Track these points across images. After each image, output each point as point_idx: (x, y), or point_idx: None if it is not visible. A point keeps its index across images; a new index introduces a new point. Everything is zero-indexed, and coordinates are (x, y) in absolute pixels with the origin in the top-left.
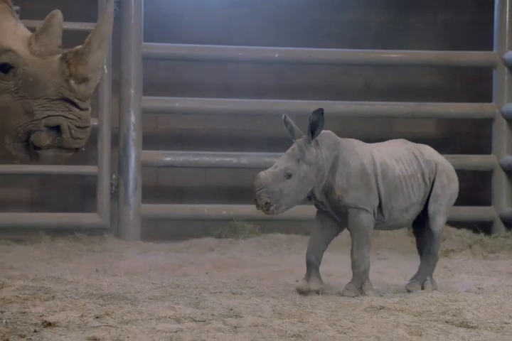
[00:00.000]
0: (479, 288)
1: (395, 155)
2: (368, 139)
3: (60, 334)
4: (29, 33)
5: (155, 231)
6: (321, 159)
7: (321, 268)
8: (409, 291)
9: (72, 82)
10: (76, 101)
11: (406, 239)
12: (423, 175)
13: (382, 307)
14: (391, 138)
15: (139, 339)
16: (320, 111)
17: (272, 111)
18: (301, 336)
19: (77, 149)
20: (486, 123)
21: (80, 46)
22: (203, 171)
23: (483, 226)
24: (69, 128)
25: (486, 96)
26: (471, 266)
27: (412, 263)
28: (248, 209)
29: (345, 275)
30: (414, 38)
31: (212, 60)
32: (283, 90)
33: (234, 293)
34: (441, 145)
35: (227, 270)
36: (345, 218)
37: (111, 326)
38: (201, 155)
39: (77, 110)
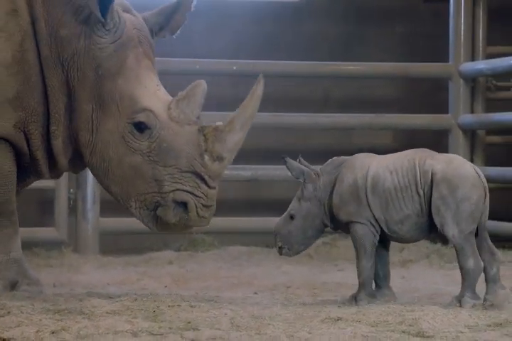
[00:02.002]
0: (436, 298)
1: (392, 166)
2: (327, 151)
3: None
4: (169, 97)
5: (114, 245)
6: (319, 190)
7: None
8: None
9: (206, 158)
10: (206, 178)
11: None
12: (416, 186)
13: (339, 319)
14: (349, 150)
15: None
16: (284, 158)
17: None
18: None
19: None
20: (443, 134)
21: (220, 123)
22: None
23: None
24: (196, 206)
25: (443, 108)
26: (428, 276)
27: None
28: None
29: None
30: (372, 49)
31: (170, 73)
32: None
33: (192, 306)
34: None
35: (186, 283)
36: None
37: None
38: None
39: (206, 188)
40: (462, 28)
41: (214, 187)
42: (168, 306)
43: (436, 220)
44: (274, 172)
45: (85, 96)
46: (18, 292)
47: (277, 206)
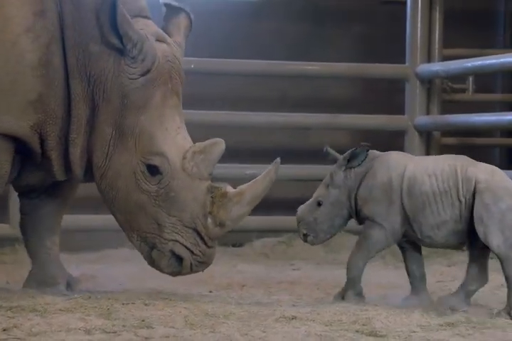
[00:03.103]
0: (389, 298)
1: (431, 170)
2: (284, 150)
3: None
4: (187, 142)
5: (69, 242)
6: (350, 179)
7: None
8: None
9: (209, 220)
10: (206, 238)
11: (320, 249)
12: (458, 193)
13: (294, 317)
14: (306, 149)
15: None
16: (366, 147)
17: (188, 120)
18: None
19: None
20: (399, 135)
21: (230, 188)
22: None
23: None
24: (191, 264)
25: (399, 109)
26: (382, 276)
27: (325, 274)
28: None
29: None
30: (330, 50)
31: None
32: (198, 101)
33: (146, 304)
34: None
35: (141, 281)
36: None
37: (19, 338)
38: None
39: (204, 247)
40: (419, 30)
41: (212, 247)
42: (122, 304)
43: (479, 229)
44: (229, 171)
45: (108, 118)
46: None
47: None
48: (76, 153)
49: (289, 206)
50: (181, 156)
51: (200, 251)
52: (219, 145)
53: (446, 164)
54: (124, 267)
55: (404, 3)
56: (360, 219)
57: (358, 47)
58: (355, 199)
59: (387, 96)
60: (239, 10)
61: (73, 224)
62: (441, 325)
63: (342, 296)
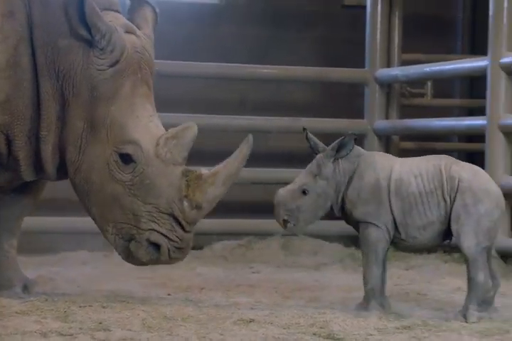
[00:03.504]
0: (347, 301)
1: (417, 170)
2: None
3: None
4: (160, 130)
5: (27, 244)
6: (339, 174)
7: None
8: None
9: (185, 204)
10: (183, 223)
11: (279, 252)
12: (443, 192)
13: (252, 320)
14: (265, 153)
15: None
16: (353, 136)
17: None
18: None
19: None
20: (358, 139)
21: (205, 171)
22: None
23: (355, 240)
24: (168, 250)
25: (358, 113)
26: (341, 280)
27: (284, 277)
28: None
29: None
30: (290, 53)
31: None
32: (159, 103)
33: (104, 307)
34: None
35: (99, 284)
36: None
37: None
38: None
39: (181, 232)
40: (378, 35)
41: (190, 231)
42: (80, 306)
43: (454, 227)
44: None
45: (78, 112)
46: None
47: None
48: (47, 150)
49: (249, 209)
50: (154, 143)
51: (177, 237)
52: (191, 129)
53: (430, 164)
54: (83, 269)
55: (365, 8)
56: (351, 223)
57: (318, 50)
58: (343, 198)
59: (347, 100)
60: (200, 12)
61: (32, 226)
62: (398, 328)
63: (365, 307)
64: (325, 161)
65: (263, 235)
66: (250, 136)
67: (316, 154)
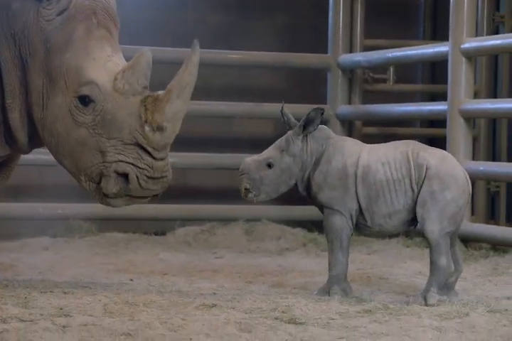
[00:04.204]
0: (310, 286)
1: (384, 158)
2: (208, 139)
3: None
4: (119, 67)
5: None
6: (306, 153)
7: None
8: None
9: (147, 128)
10: (149, 149)
11: (242, 238)
12: (411, 181)
13: (214, 305)
14: (229, 138)
15: None
16: (320, 111)
17: None
18: (130, 334)
19: (155, 195)
20: (321, 124)
21: (161, 92)
22: (38, 169)
23: (318, 225)
24: (137, 178)
25: (321, 98)
26: (304, 264)
27: (247, 262)
28: (85, 208)
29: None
30: (253, 39)
31: None
32: None
33: (65, 293)
34: None
35: (61, 269)
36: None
37: None
38: (37, 152)
39: (150, 159)
40: (341, 21)
41: (161, 159)
42: (41, 292)
43: (419, 212)
44: None
45: (36, 70)
46: None
47: None
48: (16, 118)
49: (212, 195)
50: (112, 79)
51: (146, 164)
52: (144, 54)
53: (398, 151)
54: (44, 256)
55: None
56: (316, 205)
57: (281, 37)
58: (308, 180)
59: (310, 85)
60: (164, 2)
61: None
62: (359, 312)
63: (327, 291)
64: (293, 138)
65: (226, 220)
66: (196, 41)
67: (288, 129)
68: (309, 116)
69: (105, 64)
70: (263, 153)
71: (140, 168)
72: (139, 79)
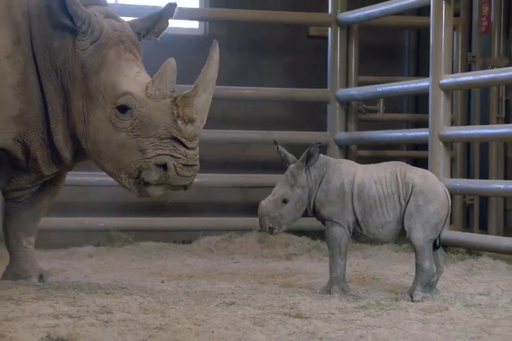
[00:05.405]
0: (314, 285)
1: (376, 177)
2: (226, 162)
3: None
4: (148, 80)
5: (43, 240)
6: (311, 181)
7: None
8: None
9: (179, 122)
10: (183, 140)
11: (256, 245)
12: (399, 197)
13: (232, 303)
14: (244, 162)
15: (20, 333)
16: (318, 145)
17: None
18: (162, 328)
19: (185, 187)
20: (322, 148)
21: (188, 90)
22: (84, 189)
23: (320, 235)
24: (174, 166)
25: (322, 126)
26: (309, 267)
27: (260, 266)
28: (123, 221)
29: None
30: (265, 77)
31: None
32: None
33: (107, 293)
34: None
35: (103, 273)
36: None
37: None
38: (83, 175)
39: (184, 149)
40: (338, 61)
41: (192, 148)
42: (86, 293)
43: (406, 224)
44: None
45: (76, 94)
46: None
47: (177, 207)
48: (60, 139)
49: (230, 209)
50: (144, 89)
51: (181, 154)
52: (169, 63)
53: (388, 171)
54: (89, 262)
55: (327, 38)
56: (319, 219)
57: (287, 74)
58: (314, 200)
59: (312, 115)
60: (188, 42)
61: (47, 225)
62: (356, 308)
63: (328, 290)
64: (298, 172)
65: (242, 231)
66: (215, 41)
67: (287, 164)
68: (310, 151)
69: (135, 78)
70: (274, 192)
71: (176, 157)
72: (167, 85)
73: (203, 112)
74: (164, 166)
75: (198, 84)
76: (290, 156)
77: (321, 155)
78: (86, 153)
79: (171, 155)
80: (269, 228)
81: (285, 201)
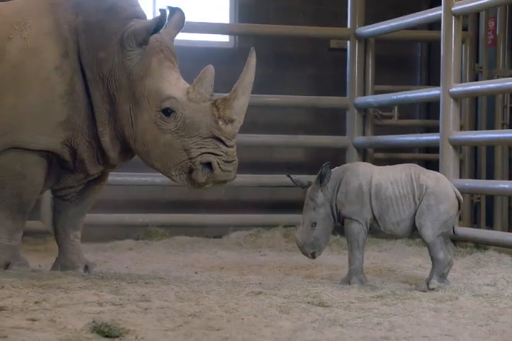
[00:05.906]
0: (335, 276)
1: (392, 178)
2: (254, 163)
3: (6, 316)
4: (187, 85)
5: (87, 235)
6: (328, 194)
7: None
8: (420, 290)
9: (220, 122)
10: (223, 139)
11: (281, 240)
12: (414, 196)
13: (260, 292)
14: (271, 163)
15: (68, 319)
16: (328, 165)
17: None
18: (196, 315)
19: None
20: (342, 151)
21: (227, 94)
22: (124, 188)
23: (339, 230)
24: (218, 164)
25: (342, 131)
26: (330, 260)
27: (285, 259)
28: (160, 217)
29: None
30: (289, 86)
31: None
32: None
33: (146, 283)
34: (309, 168)
35: (142, 265)
36: None
37: (47, 309)
38: (123, 175)
39: (224, 147)
40: (356, 71)
41: (231, 146)
42: (128, 283)
43: (418, 221)
44: None
45: (123, 99)
46: (10, 271)
47: (209, 204)
48: (107, 141)
49: (258, 206)
50: (185, 93)
51: (222, 151)
52: (208, 69)
53: (403, 173)
54: (129, 254)
55: (346, 50)
56: (340, 219)
57: (310, 84)
58: (336, 204)
59: (333, 121)
60: (219, 54)
61: (91, 220)
62: (373, 297)
63: (348, 281)
64: (315, 194)
65: (269, 226)
66: (252, 48)
67: (302, 188)
68: (322, 173)
69: (176, 84)
70: (302, 221)
71: (218, 154)
72: (206, 89)
73: (242, 113)
74: (208, 164)
75: (237, 87)
76: (304, 181)
77: (335, 168)
78: (135, 153)
79: (213, 153)
80: (311, 254)
81: (314, 224)
